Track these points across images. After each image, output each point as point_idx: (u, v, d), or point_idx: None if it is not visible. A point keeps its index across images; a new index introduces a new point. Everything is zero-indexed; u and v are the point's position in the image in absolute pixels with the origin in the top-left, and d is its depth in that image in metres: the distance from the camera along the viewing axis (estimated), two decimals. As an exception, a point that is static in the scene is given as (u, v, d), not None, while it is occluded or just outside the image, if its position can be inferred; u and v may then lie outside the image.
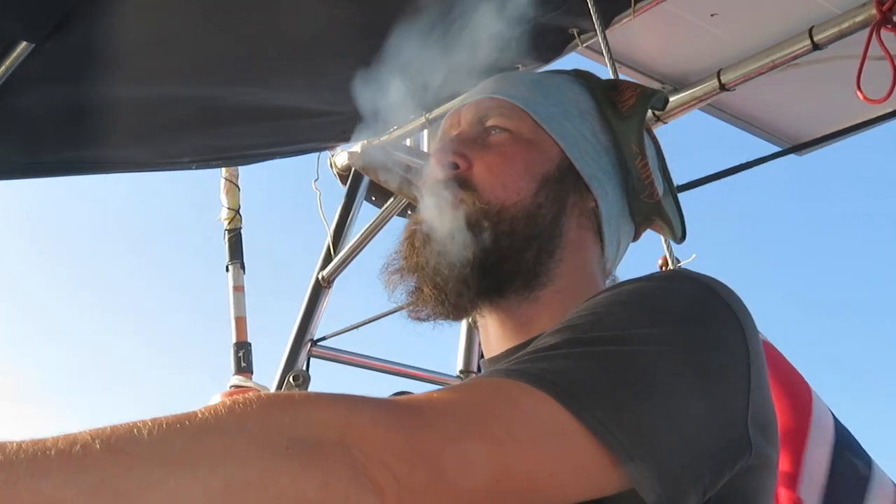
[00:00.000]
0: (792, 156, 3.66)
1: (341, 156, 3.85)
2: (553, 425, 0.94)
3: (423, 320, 1.31)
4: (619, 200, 1.39)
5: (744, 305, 1.13)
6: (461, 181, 1.31)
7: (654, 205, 1.41)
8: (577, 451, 0.94)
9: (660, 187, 1.41)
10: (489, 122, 1.36)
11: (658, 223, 1.44)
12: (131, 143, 2.81)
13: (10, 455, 0.75)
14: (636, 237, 1.46)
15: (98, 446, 0.77)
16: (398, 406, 0.91)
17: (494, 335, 1.33)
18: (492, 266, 1.27)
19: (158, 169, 3.06)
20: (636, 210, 1.41)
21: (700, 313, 1.09)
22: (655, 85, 3.44)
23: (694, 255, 3.98)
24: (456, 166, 1.32)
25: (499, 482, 0.91)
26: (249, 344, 4.10)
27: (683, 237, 1.46)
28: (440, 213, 1.29)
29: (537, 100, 1.38)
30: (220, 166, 3.75)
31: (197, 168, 3.15)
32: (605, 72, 3.22)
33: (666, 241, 2.88)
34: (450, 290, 1.27)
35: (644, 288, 1.12)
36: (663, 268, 4.64)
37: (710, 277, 1.15)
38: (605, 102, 1.41)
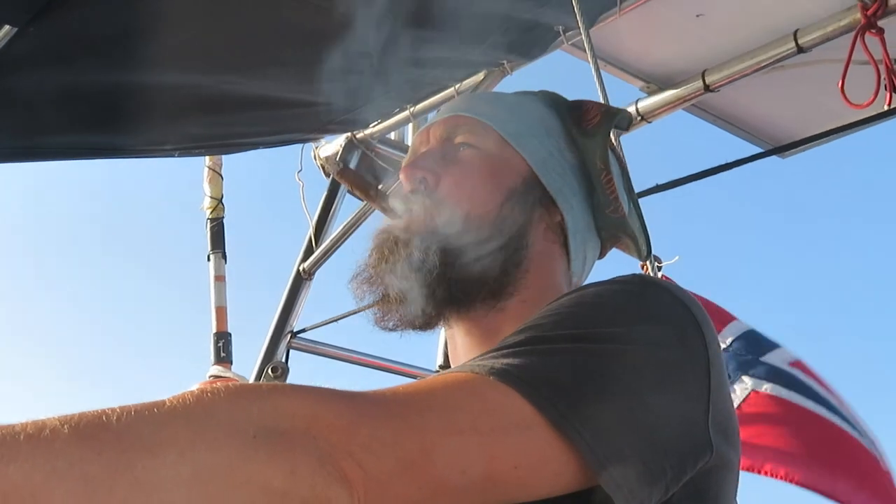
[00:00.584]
0: (775, 158, 3.68)
1: (325, 148, 3.84)
2: (517, 418, 0.95)
3: (391, 329, 1.33)
4: (584, 215, 1.41)
5: (703, 311, 1.16)
6: (428, 194, 1.34)
7: (620, 220, 1.43)
8: (540, 444, 0.96)
9: (625, 204, 1.44)
10: (457, 139, 1.40)
11: (623, 240, 1.46)
12: (113, 129, 2.80)
13: None
14: (602, 254, 1.49)
15: (66, 431, 0.77)
16: (364, 398, 0.93)
17: (461, 344, 1.36)
18: (458, 276, 1.29)
19: (141, 156, 3.05)
20: (602, 225, 1.43)
21: (662, 316, 1.12)
22: (640, 84, 3.45)
23: (677, 257, 4.00)
24: (424, 181, 1.35)
25: (463, 473, 0.92)
26: (229, 334, 4.09)
27: (649, 254, 1.49)
28: (407, 224, 1.32)
29: (504, 117, 1.41)
30: (203, 154, 3.74)
31: (180, 156, 3.14)
32: (589, 70, 3.23)
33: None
34: (417, 298, 1.29)
35: (606, 290, 1.14)
36: (645, 269, 4.67)
37: (671, 283, 1.19)
38: (570, 121, 1.44)
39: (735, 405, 4.07)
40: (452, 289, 1.29)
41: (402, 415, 0.92)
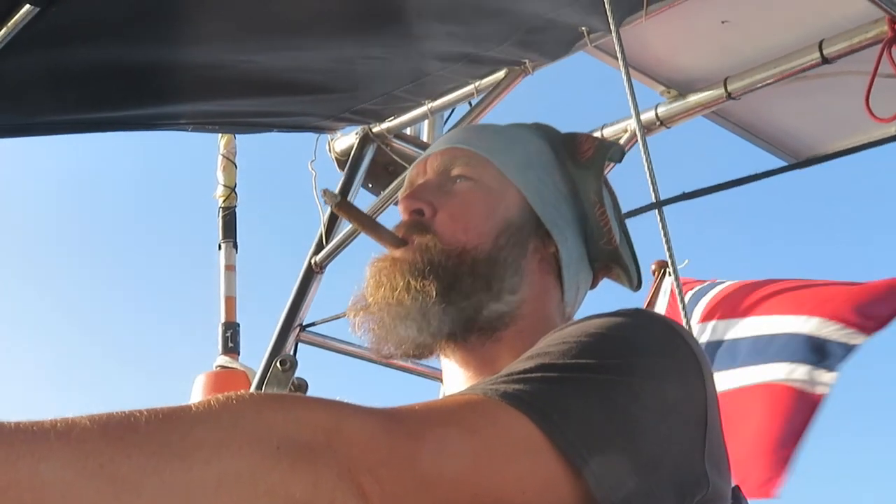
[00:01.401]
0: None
1: (340, 141, 3.83)
2: (527, 444, 0.98)
3: (387, 357, 1.37)
4: (578, 247, 1.46)
5: (700, 346, 1.20)
6: (424, 226, 1.37)
7: (612, 251, 1.47)
8: (547, 470, 0.98)
9: (616, 235, 1.48)
10: (454, 172, 1.43)
11: (615, 270, 1.51)
12: (130, 105, 2.80)
13: (9, 434, 0.76)
14: (594, 284, 1.52)
15: (96, 431, 0.78)
16: (384, 415, 0.94)
17: (458, 374, 1.38)
18: (454, 306, 1.32)
19: (156, 128, 3.04)
20: (594, 256, 1.48)
21: (665, 350, 1.15)
22: (660, 89, 3.42)
23: (687, 261, 3.97)
24: (421, 213, 1.39)
25: (475, 495, 0.94)
26: (238, 324, 4.08)
27: (639, 285, 1.53)
28: (405, 255, 1.36)
29: (500, 150, 1.45)
30: (216, 132, 3.72)
31: (193, 130, 3.14)
32: (613, 73, 3.20)
33: (666, 244, 2.87)
34: (414, 328, 1.32)
35: (611, 323, 1.16)
36: (656, 273, 4.65)
37: (669, 318, 1.23)
38: (564, 153, 1.48)
39: None
40: (450, 319, 1.32)
41: (419, 434, 0.94)
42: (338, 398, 0.95)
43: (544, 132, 1.52)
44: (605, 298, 1.61)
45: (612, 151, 1.48)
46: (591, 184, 1.46)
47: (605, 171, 1.49)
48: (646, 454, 1.04)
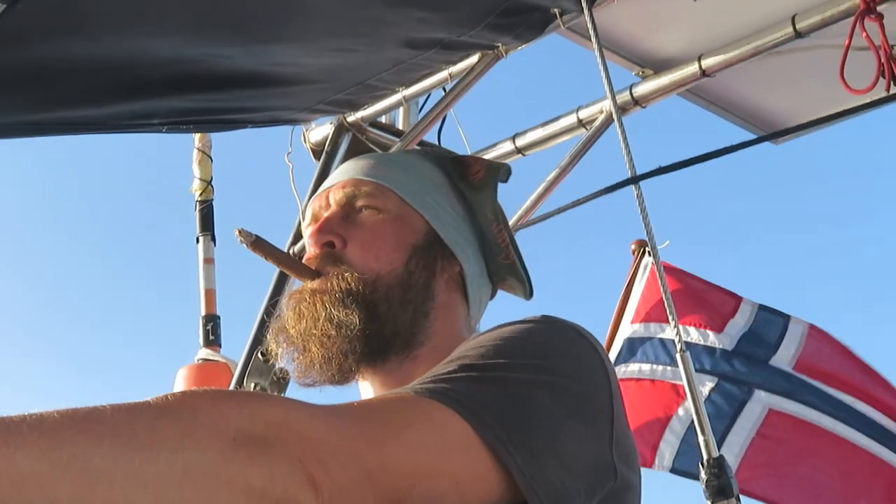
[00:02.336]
0: (768, 144, 3.65)
1: (315, 131, 3.81)
2: (460, 440, 1.06)
3: (310, 385, 1.44)
4: (479, 263, 1.57)
5: (602, 347, 1.32)
6: (336, 257, 1.46)
7: (510, 265, 1.60)
8: (478, 464, 1.06)
9: (512, 250, 1.61)
10: (359, 203, 1.51)
11: (511, 282, 1.62)
12: (102, 104, 2.77)
13: None
14: (492, 297, 1.64)
15: (66, 423, 0.83)
16: (329, 411, 1.02)
17: (379, 394, 1.45)
18: (374, 330, 1.41)
19: (129, 131, 3.02)
20: (493, 271, 1.60)
21: (573, 352, 1.26)
22: (635, 69, 3.42)
23: (668, 242, 3.98)
24: (332, 245, 1.47)
25: (413, 486, 1.01)
26: (218, 317, 4.07)
27: (531, 295, 1.64)
28: (321, 285, 1.44)
29: (399, 178, 1.54)
30: (191, 131, 3.71)
31: (168, 131, 3.11)
32: (586, 54, 3.19)
33: (644, 221, 2.87)
34: (338, 355, 1.40)
35: (523, 328, 1.27)
36: (636, 252, 4.65)
37: (575, 323, 1.33)
38: (455, 176, 1.59)
39: (754, 428, 4.10)
40: (371, 344, 1.42)
41: (363, 429, 1.00)
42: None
43: (434, 157, 1.63)
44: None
45: (502, 172, 1.60)
46: (487, 204, 1.58)
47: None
48: (563, 449, 1.13)
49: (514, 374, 1.15)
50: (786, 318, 4.31)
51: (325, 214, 1.52)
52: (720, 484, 2.70)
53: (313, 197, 1.57)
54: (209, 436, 0.88)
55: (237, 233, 1.47)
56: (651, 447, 4.06)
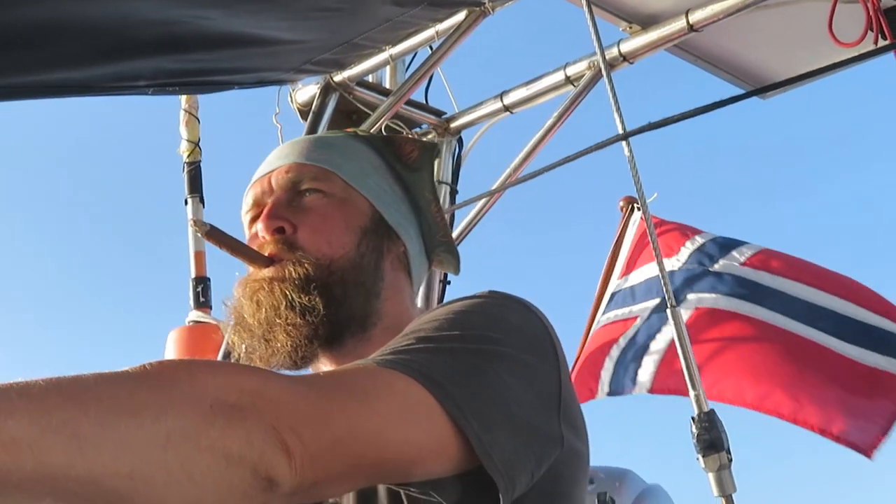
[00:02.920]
0: (756, 99, 3.64)
1: (302, 91, 3.80)
2: (422, 407, 1.09)
3: (270, 367, 1.43)
4: (419, 242, 1.60)
5: (550, 322, 1.35)
6: (289, 243, 1.46)
7: (447, 243, 1.65)
8: (439, 431, 1.09)
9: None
10: (304, 186, 1.51)
11: (444, 258, 1.66)
12: (87, 66, 2.75)
13: None
14: (427, 272, 1.68)
15: (53, 391, 0.85)
16: (299, 381, 1.05)
17: None
18: (333, 315, 1.42)
19: (115, 93, 2.99)
20: (431, 248, 1.63)
21: (522, 325, 1.29)
22: (622, 24, 3.40)
23: (655, 195, 3.99)
24: (282, 230, 1.47)
25: (379, 452, 1.05)
26: (208, 279, 4.05)
27: (459, 271, 1.69)
28: (278, 273, 1.44)
29: (340, 161, 1.54)
30: (177, 93, 3.67)
31: (154, 93, 3.09)
32: (572, 10, 3.18)
33: (634, 176, 2.88)
34: (303, 341, 1.41)
35: (474, 303, 1.31)
36: (624, 209, 4.65)
37: (522, 298, 1.37)
38: (390, 157, 1.61)
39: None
40: (331, 328, 1.43)
41: (332, 398, 1.03)
42: None
43: (367, 140, 1.63)
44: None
45: (436, 152, 1.67)
46: (425, 183, 1.62)
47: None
48: (515, 417, 1.17)
49: (467, 345, 1.19)
50: (741, 242, 4.33)
51: (270, 200, 1.51)
52: (711, 438, 2.72)
53: (252, 182, 1.57)
54: (188, 404, 0.91)
55: (191, 223, 1.48)
56: (595, 378, 4.11)
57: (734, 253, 4.22)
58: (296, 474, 0.96)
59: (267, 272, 1.44)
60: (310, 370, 1.49)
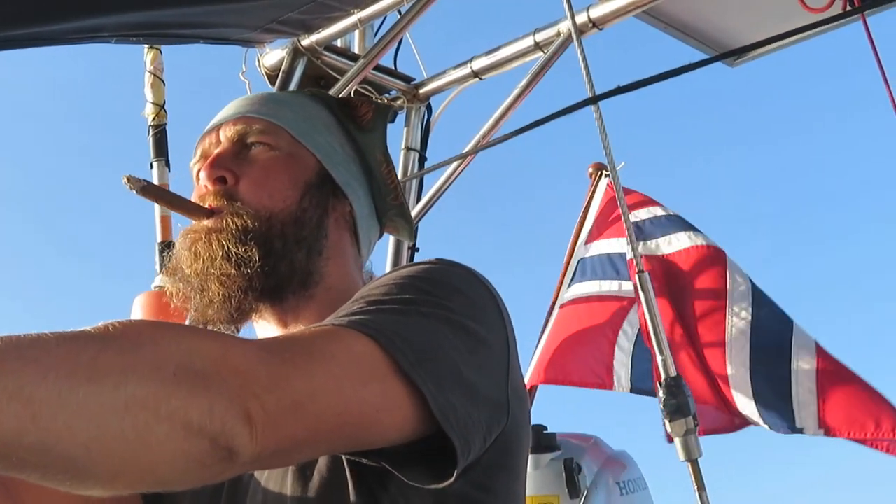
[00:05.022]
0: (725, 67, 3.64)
1: (269, 56, 3.77)
2: (379, 369, 1.09)
3: (208, 322, 1.43)
4: (369, 203, 1.59)
5: (497, 291, 1.35)
6: (229, 194, 1.44)
7: (399, 206, 1.63)
8: (395, 392, 1.10)
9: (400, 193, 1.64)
10: (250, 139, 1.50)
11: (398, 223, 1.65)
12: (50, 21, 2.71)
13: None
14: (380, 236, 1.67)
15: (12, 353, 0.82)
16: (259, 346, 1.04)
17: (276, 333, 1.45)
18: (272, 267, 1.41)
19: (77, 42, 2.95)
20: (382, 211, 1.62)
21: (469, 291, 1.29)
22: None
23: (623, 163, 3.98)
24: (224, 181, 1.46)
25: (338, 415, 1.05)
26: (174, 244, 4.02)
27: (414, 237, 1.79)
28: (216, 224, 1.42)
29: (290, 116, 1.54)
30: (140, 42, 3.62)
31: (117, 42, 3.06)
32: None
33: (603, 141, 2.88)
34: (236, 291, 1.40)
35: (423, 269, 1.31)
36: (593, 175, 4.65)
37: (469, 266, 1.36)
38: (344, 117, 1.61)
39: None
40: (268, 281, 1.41)
41: (292, 361, 1.03)
42: None
43: (322, 99, 1.62)
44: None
45: (390, 114, 1.66)
46: (377, 145, 1.61)
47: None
48: (467, 380, 1.17)
49: (420, 308, 1.19)
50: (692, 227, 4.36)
51: (216, 151, 1.50)
52: (678, 403, 2.74)
53: (202, 134, 1.56)
54: (150, 370, 0.89)
55: (125, 180, 1.45)
56: (606, 368, 4.09)
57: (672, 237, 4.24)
58: (256, 444, 0.96)
59: (206, 223, 1.43)
60: (254, 328, 1.50)
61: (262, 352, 1.02)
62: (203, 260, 1.41)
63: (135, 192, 1.46)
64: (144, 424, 0.87)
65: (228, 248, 1.40)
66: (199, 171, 1.51)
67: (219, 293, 1.40)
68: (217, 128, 1.53)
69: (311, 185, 1.49)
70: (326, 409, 1.04)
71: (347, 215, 1.54)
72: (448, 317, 1.21)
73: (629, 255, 2.95)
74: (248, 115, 1.53)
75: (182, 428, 0.89)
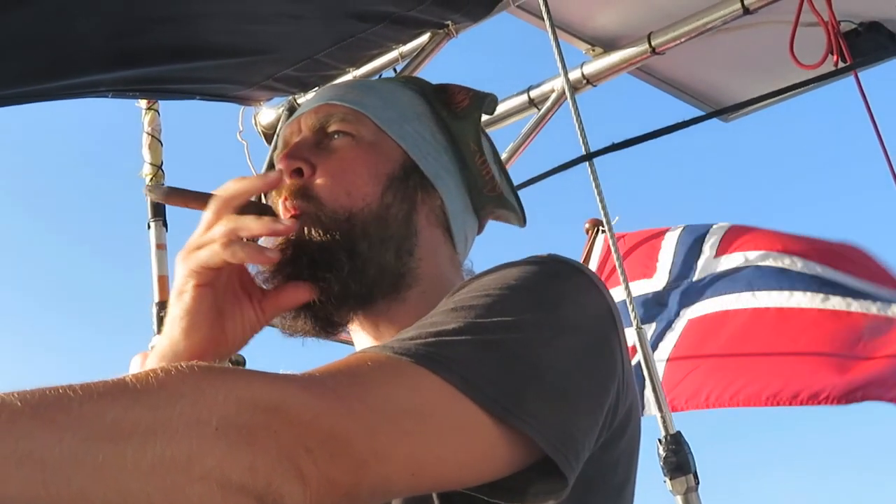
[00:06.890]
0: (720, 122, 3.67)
1: (265, 114, 3.79)
2: (462, 419, 0.98)
3: (299, 335, 1.33)
4: (462, 197, 1.46)
5: (609, 292, 1.23)
6: (305, 192, 1.33)
7: (496, 197, 1.49)
8: (484, 441, 0.99)
9: (500, 182, 1.49)
10: (331, 128, 1.40)
11: (503, 214, 1.52)
12: (45, 79, 2.72)
13: None
14: (479, 231, 1.53)
15: (27, 413, 0.76)
16: (323, 389, 0.92)
17: (371, 342, 1.35)
18: (361, 270, 1.30)
19: (74, 97, 2.97)
20: (478, 205, 1.48)
21: (580, 298, 1.17)
22: (584, 47, 3.42)
23: (617, 217, 4.00)
24: (301, 172, 1.35)
25: (412, 476, 0.95)
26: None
27: (525, 223, 1.55)
28: (300, 226, 1.30)
29: (375, 104, 1.43)
30: (137, 97, 3.65)
31: (114, 97, 3.07)
32: (535, 33, 3.19)
33: (598, 196, 2.89)
34: (325, 300, 1.29)
35: (528, 272, 1.17)
36: (590, 231, 4.67)
37: (580, 263, 1.24)
38: (438, 105, 1.48)
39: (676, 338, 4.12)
40: (358, 285, 1.30)
41: (358, 412, 0.92)
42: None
43: (416, 85, 1.52)
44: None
45: (489, 101, 1.48)
46: (470, 134, 1.47)
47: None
48: (574, 408, 1.06)
49: (521, 335, 1.07)
50: (708, 226, 4.36)
51: (296, 140, 1.41)
52: (678, 460, 2.72)
53: (287, 123, 1.47)
54: (187, 426, 0.81)
55: (146, 192, 1.35)
56: None
57: (705, 248, 4.23)
58: (312, 500, 0.86)
59: (280, 227, 1.28)
60: (350, 335, 1.40)
61: (325, 398, 0.91)
62: (292, 266, 1.29)
63: (159, 200, 1.33)
64: (173, 486, 0.79)
65: (314, 253, 1.29)
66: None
67: (306, 306, 1.30)
68: (301, 117, 1.44)
69: (395, 179, 1.37)
70: (397, 471, 0.94)
71: (438, 210, 1.42)
72: (554, 338, 1.09)
73: (630, 313, 2.94)
74: (332, 101, 1.43)
75: (219, 488, 0.80)
